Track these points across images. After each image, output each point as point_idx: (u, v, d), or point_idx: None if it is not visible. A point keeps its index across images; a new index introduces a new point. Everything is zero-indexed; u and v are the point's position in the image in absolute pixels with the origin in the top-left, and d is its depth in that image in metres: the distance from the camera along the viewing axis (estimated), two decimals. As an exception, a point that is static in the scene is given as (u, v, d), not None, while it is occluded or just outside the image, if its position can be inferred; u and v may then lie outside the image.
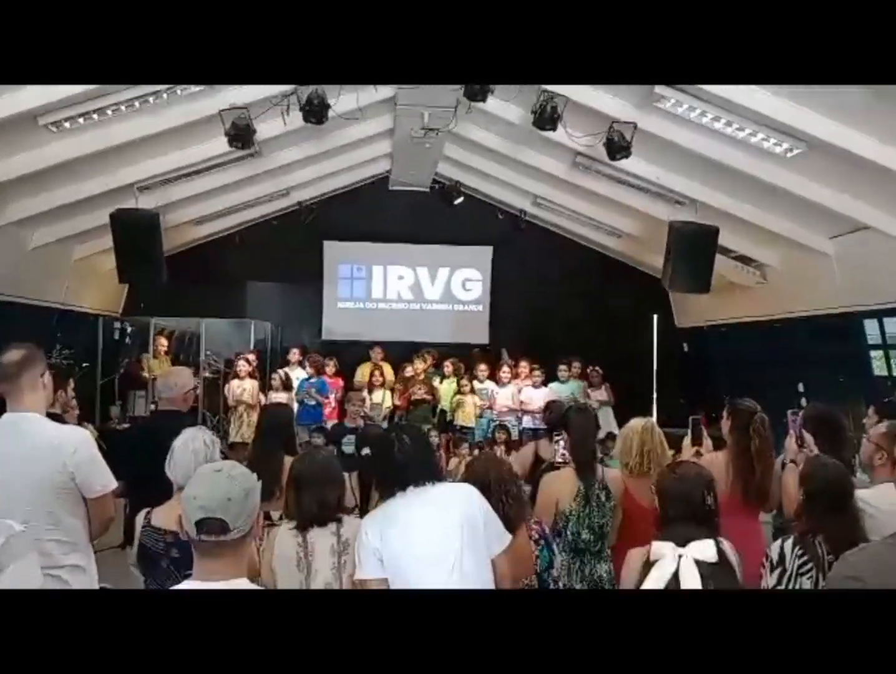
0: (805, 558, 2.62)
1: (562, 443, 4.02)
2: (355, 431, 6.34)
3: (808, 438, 3.45)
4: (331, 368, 9.09)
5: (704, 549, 1.86)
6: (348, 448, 5.92)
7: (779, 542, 2.75)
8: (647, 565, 1.96)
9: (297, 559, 2.70)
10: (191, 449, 2.72)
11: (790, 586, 2.61)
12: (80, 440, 2.89)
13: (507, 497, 2.93)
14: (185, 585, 1.80)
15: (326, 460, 2.98)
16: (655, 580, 1.82)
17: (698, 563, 1.90)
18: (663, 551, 1.88)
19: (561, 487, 3.64)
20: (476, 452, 8.25)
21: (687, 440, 3.99)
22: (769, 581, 2.69)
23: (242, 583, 1.76)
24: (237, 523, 1.73)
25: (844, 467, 2.90)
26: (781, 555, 2.68)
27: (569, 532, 3.56)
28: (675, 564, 1.90)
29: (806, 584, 2.58)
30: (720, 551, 2.03)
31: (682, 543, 2.47)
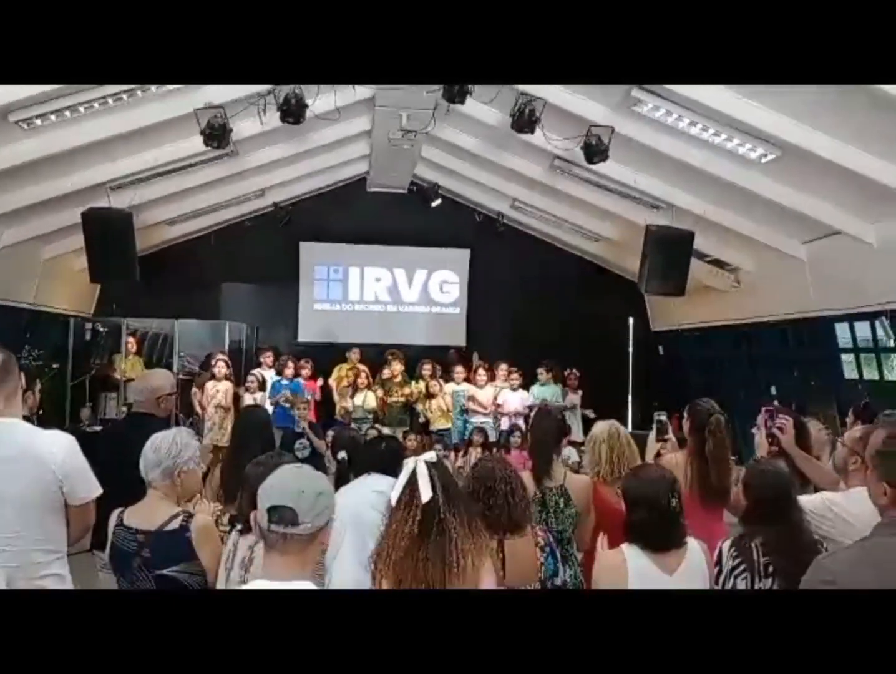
0: (739, 560, 2.67)
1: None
2: (302, 434, 6.47)
3: (782, 438, 3.47)
4: (307, 371, 9.05)
5: (431, 455, 2.38)
6: (301, 453, 6.04)
7: (719, 542, 2.80)
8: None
9: (226, 559, 2.66)
10: (155, 447, 2.69)
11: (725, 587, 2.67)
12: (68, 446, 2.77)
13: (513, 497, 2.90)
14: (252, 584, 1.86)
15: (264, 468, 2.66)
16: (402, 481, 2.30)
17: (427, 463, 2.32)
18: (408, 464, 2.34)
19: None
20: (451, 453, 8.32)
21: (651, 438, 4.01)
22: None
23: (304, 585, 1.79)
24: (307, 517, 1.78)
25: (787, 475, 2.94)
26: (720, 555, 2.73)
27: None
28: (414, 465, 2.29)
29: (740, 585, 2.64)
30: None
31: (654, 549, 2.49)
